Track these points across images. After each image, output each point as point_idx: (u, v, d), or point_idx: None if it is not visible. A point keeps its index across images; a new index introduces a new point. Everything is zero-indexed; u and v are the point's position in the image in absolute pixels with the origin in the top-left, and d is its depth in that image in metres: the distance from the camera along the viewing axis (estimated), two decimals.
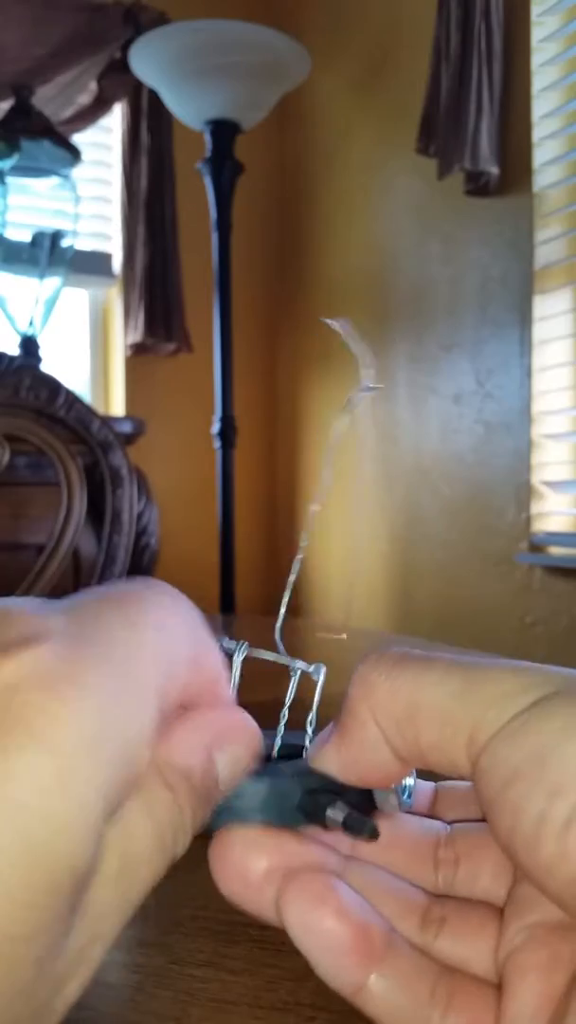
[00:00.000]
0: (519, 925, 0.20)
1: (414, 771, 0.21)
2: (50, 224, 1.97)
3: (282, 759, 0.22)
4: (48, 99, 2.02)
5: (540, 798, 0.16)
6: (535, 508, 1.71)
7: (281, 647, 0.23)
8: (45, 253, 1.92)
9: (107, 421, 1.39)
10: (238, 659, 0.22)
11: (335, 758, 0.20)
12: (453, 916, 0.21)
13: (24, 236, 1.94)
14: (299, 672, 0.22)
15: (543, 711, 0.17)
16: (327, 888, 0.19)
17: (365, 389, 0.23)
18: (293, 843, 0.20)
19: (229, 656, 0.22)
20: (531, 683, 0.18)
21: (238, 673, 0.22)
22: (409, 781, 0.21)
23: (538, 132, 1.68)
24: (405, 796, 0.21)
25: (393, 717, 0.19)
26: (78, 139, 2.08)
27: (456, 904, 0.21)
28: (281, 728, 0.23)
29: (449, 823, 0.23)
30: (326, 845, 0.21)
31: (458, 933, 0.21)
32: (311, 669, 0.22)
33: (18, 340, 1.93)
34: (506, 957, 0.20)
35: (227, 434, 1.85)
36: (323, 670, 0.22)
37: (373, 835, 0.19)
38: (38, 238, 1.93)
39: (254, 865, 0.20)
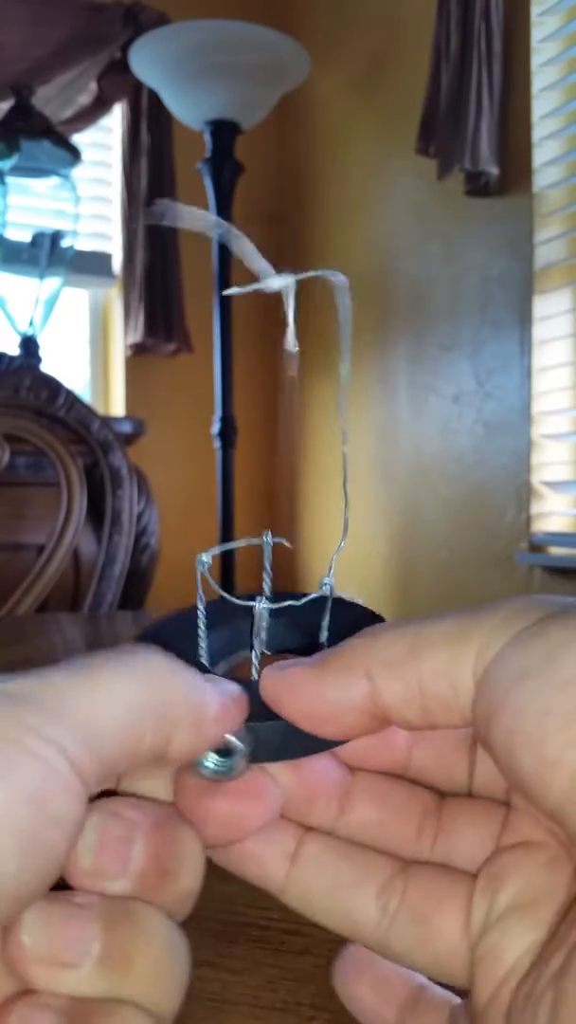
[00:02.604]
0: (488, 905, 0.19)
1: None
2: (50, 224, 1.97)
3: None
4: (48, 99, 2.02)
5: (547, 693, 0.17)
6: (535, 508, 1.71)
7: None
8: (45, 253, 1.92)
9: (107, 421, 1.39)
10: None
11: (299, 689, 0.20)
12: (414, 890, 0.20)
13: (24, 236, 1.94)
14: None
15: (552, 622, 0.18)
16: (367, 963, 0.21)
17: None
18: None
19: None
20: (535, 605, 0.19)
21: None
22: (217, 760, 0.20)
23: (538, 132, 1.68)
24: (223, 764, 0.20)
25: (392, 659, 0.19)
26: (78, 139, 2.08)
27: (421, 877, 0.21)
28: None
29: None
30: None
31: (417, 913, 0.20)
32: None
33: (18, 340, 1.93)
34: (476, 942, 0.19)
35: (227, 434, 1.85)
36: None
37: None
38: (38, 238, 1.93)
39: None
